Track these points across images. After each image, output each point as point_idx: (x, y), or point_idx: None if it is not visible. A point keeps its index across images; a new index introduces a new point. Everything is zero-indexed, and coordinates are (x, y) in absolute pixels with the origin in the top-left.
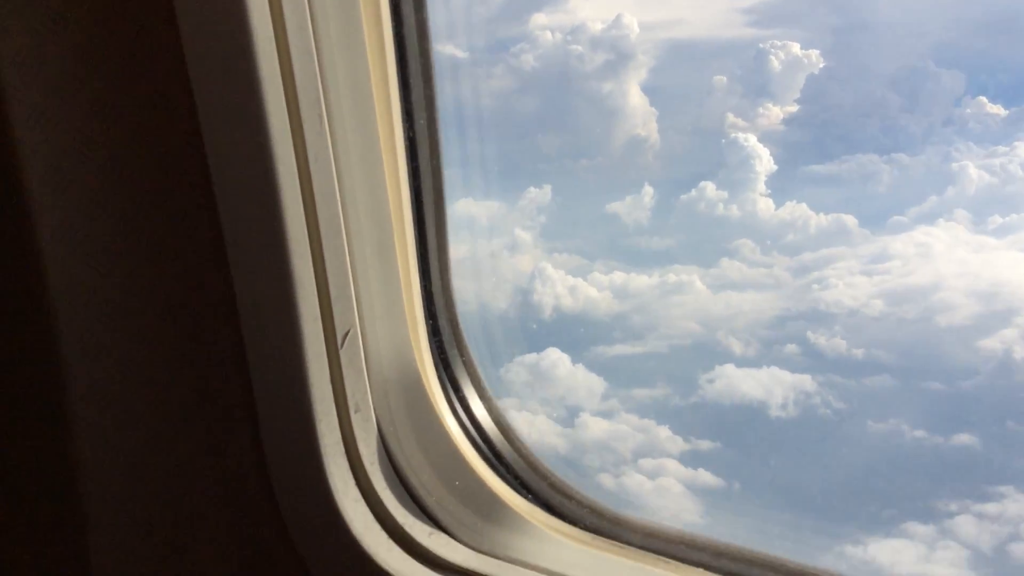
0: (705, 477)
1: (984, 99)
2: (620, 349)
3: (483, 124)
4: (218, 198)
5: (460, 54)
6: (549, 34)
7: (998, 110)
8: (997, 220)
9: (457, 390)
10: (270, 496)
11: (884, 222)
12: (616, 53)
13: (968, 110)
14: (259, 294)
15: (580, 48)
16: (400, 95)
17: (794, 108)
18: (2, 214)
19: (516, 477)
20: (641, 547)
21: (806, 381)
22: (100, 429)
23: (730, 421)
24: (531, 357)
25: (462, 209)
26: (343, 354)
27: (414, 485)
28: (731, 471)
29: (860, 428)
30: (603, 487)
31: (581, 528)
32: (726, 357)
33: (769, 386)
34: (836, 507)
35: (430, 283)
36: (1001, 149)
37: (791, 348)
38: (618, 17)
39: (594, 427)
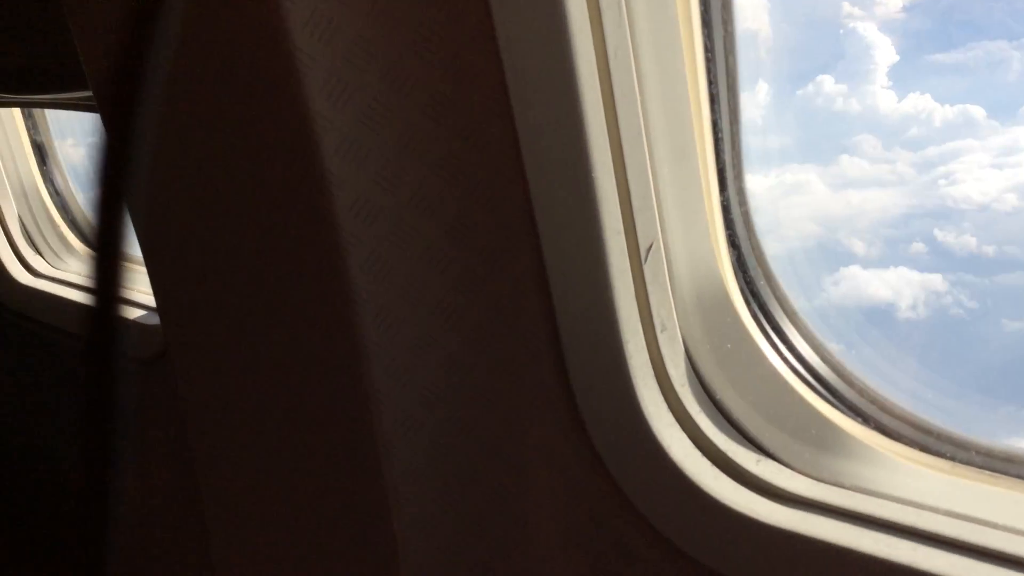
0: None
1: None
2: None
3: None
4: (513, 104)
5: None
6: None
7: None
8: None
9: (762, 307)
10: (578, 423)
11: (1014, 112)
12: None
13: None
14: (559, 206)
15: None
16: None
17: None
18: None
19: (842, 399)
20: (1005, 472)
21: (936, 281)
22: (390, 355)
23: (855, 323)
24: None
25: None
26: (647, 269)
27: (730, 409)
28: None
29: (995, 327)
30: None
31: (944, 458)
32: (849, 258)
33: (897, 287)
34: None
35: (727, 195)
36: None
37: (917, 247)
38: None
39: None
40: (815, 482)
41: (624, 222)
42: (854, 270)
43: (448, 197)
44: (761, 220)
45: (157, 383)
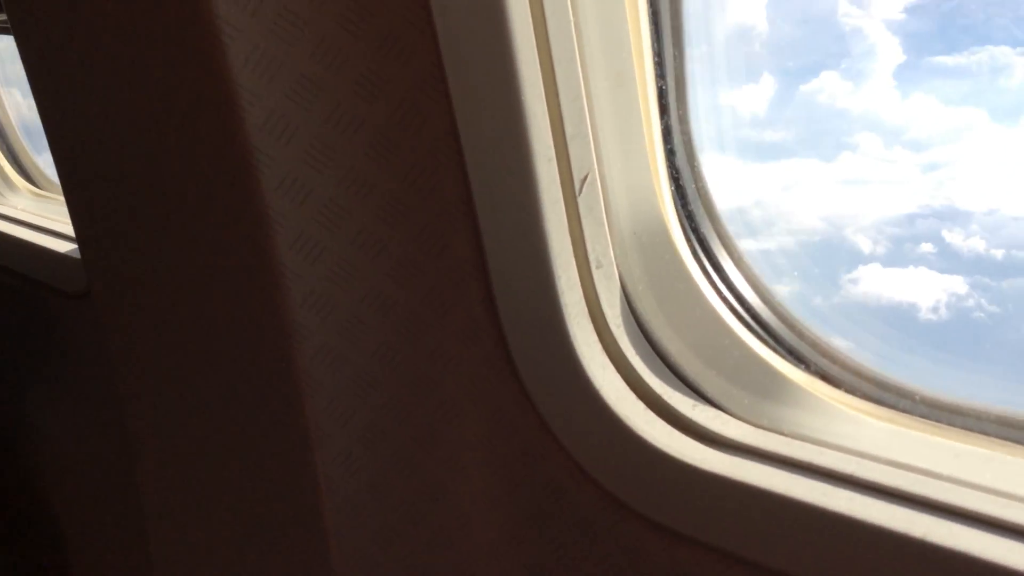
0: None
1: None
2: (746, 244)
3: None
4: (435, 16)
5: None
6: None
7: None
8: None
9: (704, 246)
10: (508, 361)
11: (1018, 118)
12: None
13: None
14: (487, 130)
15: None
16: None
17: None
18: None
19: (785, 345)
20: (948, 423)
21: (957, 282)
22: (309, 284)
23: (873, 322)
24: None
25: None
26: (581, 201)
27: (667, 351)
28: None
29: (1017, 331)
30: None
31: (885, 407)
32: (862, 256)
33: (918, 287)
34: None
35: (670, 123)
36: None
37: (926, 247)
38: None
39: None
40: (753, 428)
41: (556, 150)
42: (874, 268)
43: (369, 117)
44: (763, 213)
45: (86, 319)
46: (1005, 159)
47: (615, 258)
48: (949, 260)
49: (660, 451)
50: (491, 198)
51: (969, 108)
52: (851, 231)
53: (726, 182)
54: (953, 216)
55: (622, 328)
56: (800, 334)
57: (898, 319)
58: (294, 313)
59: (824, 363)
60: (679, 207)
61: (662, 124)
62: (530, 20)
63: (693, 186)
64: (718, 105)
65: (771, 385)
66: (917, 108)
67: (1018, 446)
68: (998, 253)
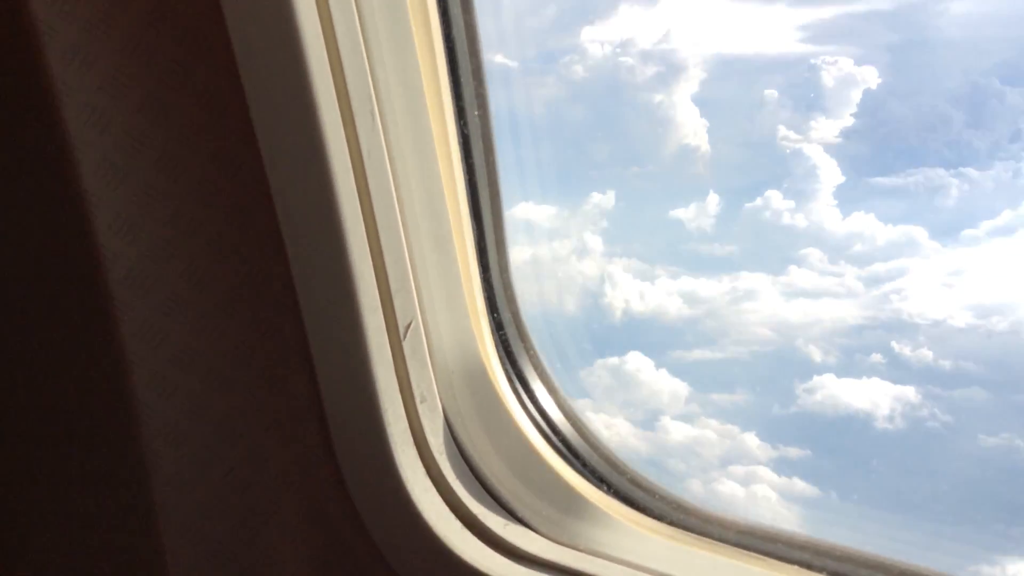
0: (800, 485)
1: None
2: (699, 354)
3: (536, 131)
4: (274, 194)
5: (511, 63)
6: (599, 46)
7: None
8: None
9: (523, 381)
10: (341, 486)
11: (956, 235)
12: (667, 65)
13: None
14: (319, 287)
15: (630, 60)
16: (451, 92)
17: (850, 122)
18: (60, 209)
19: (590, 469)
20: (735, 544)
21: (909, 392)
22: (167, 417)
23: (828, 431)
24: (613, 360)
25: (522, 213)
26: (406, 345)
27: (485, 475)
28: (830, 482)
29: (971, 442)
30: (693, 492)
31: (666, 523)
32: (814, 366)
33: (873, 397)
34: (957, 523)
35: (490, 277)
36: None
37: (876, 357)
38: (668, 31)
39: (677, 432)
40: (553, 544)
41: (382, 302)
42: (828, 378)
43: (217, 273)
44: (714, 324)
45: None
46: (946, 274)
47: (439, 393)
48: (899, 370)
49: (471, 567)
50: (325, 344)
51: (908, 226)
52: (802, 342)
53: (673, 295)
54: (900, 328)
55: (444, 455)
56: (604, 456)
57: (854, 430)
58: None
59: (622, 483)
60: (499, 346)
61: (482, 278)
62: (356, 193)
63: (514, 328)
64: (667, 220)
65: (574, 505)
66: (858, 225)
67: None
68: (946, 363)
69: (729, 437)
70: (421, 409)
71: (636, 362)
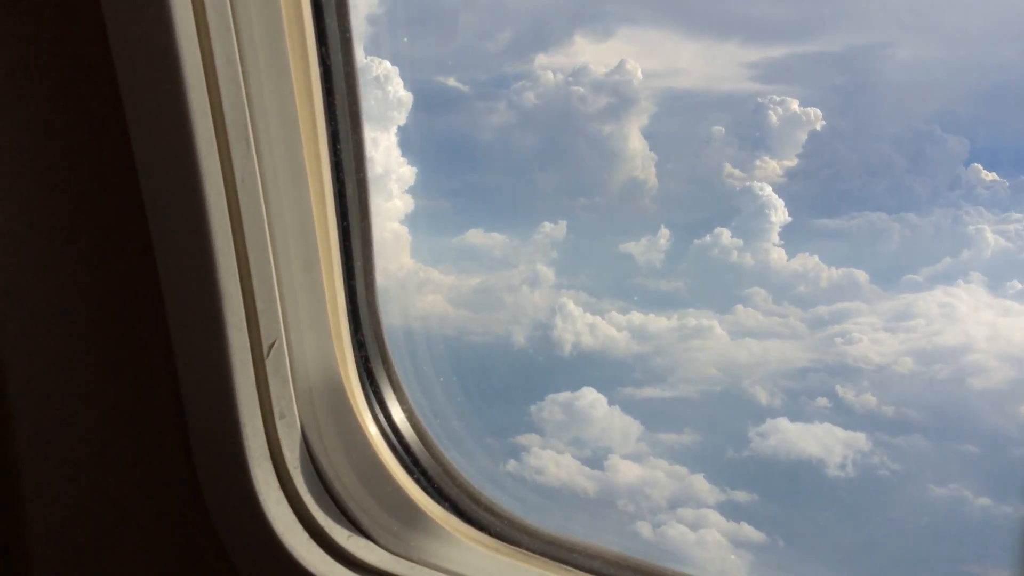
0: (749, 531)
1: (979, 166)
2: (649, 392)
3: (486, 156)
4: (148, 213)
5: (463, 87)
6: (551, 74)
7: (1002, 179)
8: (1016, 286)
9: (380, 400)
10: (198, 497)
11: (896, 280)
12: (618, 97)
13: (976, 175)
14: (187, 305)
15: (582, 90)
16: (326, 120)
17: (794, 163)
18: None
19: (433, 484)
20: (542, 553)
21: (860, 439)
22: (35, 425)
23: (780, 476)
24: (565, 395)
25: (471, 239)
26: (268, 363)
27: (336, 489)
28: (782, 528)
29: (921, 491)
30: (640, 535)
31: (490, 535)
32: (765, 409)
33: (826, 442)
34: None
35: (356, 300)
36: (1016, 215)
37: (822, 401)
38: (621, 63)
39: (626, 471)
40: (391, 555)
41: (248, 321)
42: (780, 423)
43: (90, 287)
44: (663, 361)
45: None
46: (887, 319)
47: (298, 409)
48: (844, 415)
49: (311, 574)
50: (190, 360)
51: (851, 268)
52: (748, 383)
53: (623, 330)
54: (844, 372)
55: (299, 469)
56: (450, 474)
57: (806, 475)
58: None
59: (462, 500)
60: (360, 366)
61: (348, 299)
62: (227, 215)
63: (375, 348)
64: (617, 253)
65: (414, 518)
66: (803, 266)
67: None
68: (888, 410)
69: (678, 478)
70: (280, 425)
71: (590, 398)
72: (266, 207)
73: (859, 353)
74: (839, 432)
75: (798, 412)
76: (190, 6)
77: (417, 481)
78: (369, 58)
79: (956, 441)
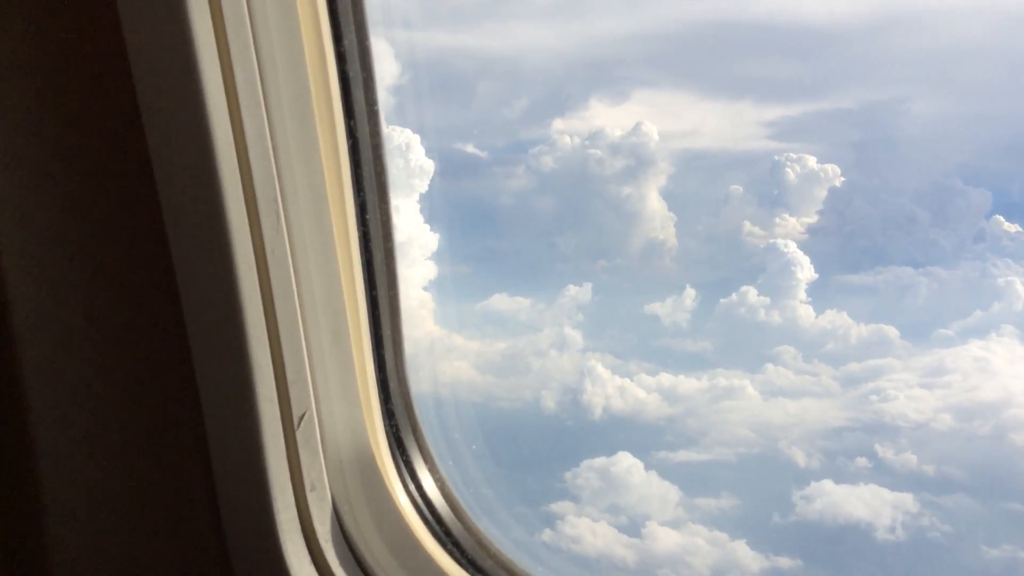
0: None
1: (1001, 218)
2: (684, 455)
3: (507, 221)
4: (180, 287)
5: (481, 153)
6: (568, 138)
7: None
8: None
9: (411, 470)
10: (228, 571)
11: (927, 335)
12: (635, 159)
13: (999, 227)
14: (219, 377)
15: (599, 152)
16: (354, 194)
17: (814, 219)
18: None
19: (466, 556)
20: None
21: (907, 500)
22: (68, 499)
23: (826, 541)
24: (601, 460)
25: (496, 304)
26: (299, 435)
27: (368, 563)
28: None
29: (975, 553)
30: None
31: None
32: (805, 471)
33: (873, 504)
34: None
35: (385, 370)
36: None
37: (861, 461)
38: (637, 125)
39: (665, 538)
40: None
41: (279, 393)
42: (827, 485)
43: (121, 362)
44: (696, 423)
45: None
46: (922, 375)
47: (328, 481)
48: (885, 475)
49: None
50: (221, 431)
51: (879, 324)
52: (784, 444)
53: (652, 392)
54: (882, 430)
55: (330, 543)
56: (482, 544)
57: (854, 540)
58: None
59: (495, 571)
60: (391, 439)
61: (377, 370)
62: (258, 288)
63: (405, 419)
64: (643, 314)
65: None
66: (831, 323)
67: None
68: (930, 468)
69: (719, 545)
70: (311, 497)
71: (626, 463)
72: (296, 279)
73: (896, 411)
74: (886, 493)
75: (839, 473)
76: (221, 82)
77: (450, 553)
78: (391, 127)
79: (1002, 499)
